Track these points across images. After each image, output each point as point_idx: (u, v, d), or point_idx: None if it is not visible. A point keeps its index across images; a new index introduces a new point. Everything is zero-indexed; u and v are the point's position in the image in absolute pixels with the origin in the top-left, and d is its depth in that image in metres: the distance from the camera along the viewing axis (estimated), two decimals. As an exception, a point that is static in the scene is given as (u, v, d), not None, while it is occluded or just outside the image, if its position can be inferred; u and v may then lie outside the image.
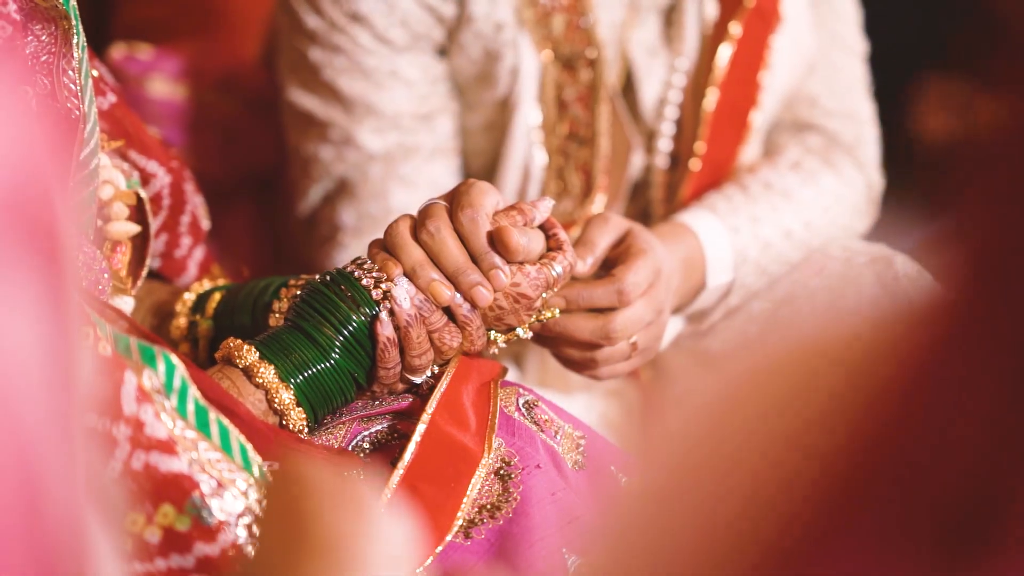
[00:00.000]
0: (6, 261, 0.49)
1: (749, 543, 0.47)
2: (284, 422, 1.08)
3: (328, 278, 1.11)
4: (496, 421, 1.10)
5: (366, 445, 1.10)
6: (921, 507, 0.45)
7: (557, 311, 1.20)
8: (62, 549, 0.52)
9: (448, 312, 1.11)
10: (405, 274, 1.10)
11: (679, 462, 0.52)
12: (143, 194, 1.18)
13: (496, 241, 1.10)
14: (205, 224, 1.31)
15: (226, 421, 0.96)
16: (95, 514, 0.61)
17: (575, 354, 1.26)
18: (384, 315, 1.09)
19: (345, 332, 1.09)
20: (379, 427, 1.11)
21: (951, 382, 0.46)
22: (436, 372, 1.14)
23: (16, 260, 0.49)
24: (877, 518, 0.46)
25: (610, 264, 1.27)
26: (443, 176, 1.52)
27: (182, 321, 1.23)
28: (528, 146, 1.52)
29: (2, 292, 0.48)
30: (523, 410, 1.13)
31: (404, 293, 1.09)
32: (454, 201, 1.11)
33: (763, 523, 0.47)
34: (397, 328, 1.09)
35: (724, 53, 1.52)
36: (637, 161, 1.56)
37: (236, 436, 0.96)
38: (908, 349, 0.47)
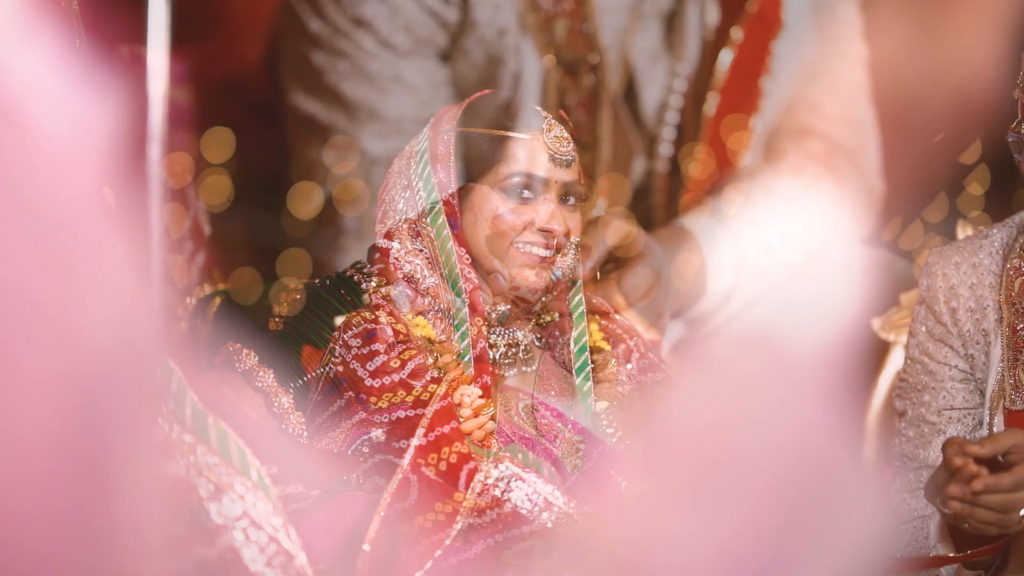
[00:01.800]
0: (95, 246, 0.49)
1: (752, 549, 0.47)
2: (283, 426, 1.08)
3: (328, 282, 1.11)
4: (496, 425, 1.10)
5: (366, 449, 1.10)
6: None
7: (557, 315, 1.20)
8: (120, 540, 0.52)
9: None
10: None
11: (684, 468, 0.51)
12: (145, 198, 1.19)
13: None
14: (206, 229, 1.32)
15: (224, 425, 0.96)
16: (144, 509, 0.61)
17: None
18: (384, 319, 1.09)
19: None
20: (379, 431, 1.11)
21: None
22: (437, 376, 1.14)
23: (103, 245, 0.49)
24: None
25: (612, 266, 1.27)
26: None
27: (183, 325, 1.23)
28: (530, 151, 1.52)
29: (90, 282, 0.48)
30: (523, 414, 1.13)
31: (404, 297, 1.09)
32: None
33: (762, 529, 0.46)
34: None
35: (725, 58, 1.52)
36: (638, 166, 1.57)
37: (235, 440, 0.96)
38: None
